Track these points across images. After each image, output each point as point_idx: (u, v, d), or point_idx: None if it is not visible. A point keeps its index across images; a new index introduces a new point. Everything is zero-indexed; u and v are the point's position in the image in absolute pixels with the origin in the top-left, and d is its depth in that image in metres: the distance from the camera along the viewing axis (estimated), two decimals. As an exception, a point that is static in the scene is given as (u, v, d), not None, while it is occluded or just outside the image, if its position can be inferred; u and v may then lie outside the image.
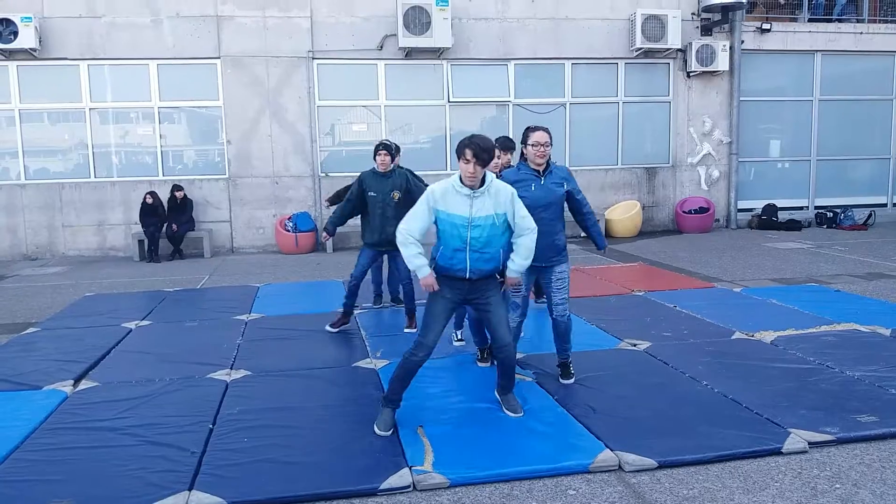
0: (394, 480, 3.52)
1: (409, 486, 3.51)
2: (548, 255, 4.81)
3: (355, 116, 13.08)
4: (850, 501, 3.31)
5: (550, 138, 4.81)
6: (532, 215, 4.27)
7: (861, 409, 4.32)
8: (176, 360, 5.83)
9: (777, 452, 3.81)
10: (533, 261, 4.37)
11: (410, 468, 3.64)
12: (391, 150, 6.52)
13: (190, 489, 3.46)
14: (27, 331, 7.01)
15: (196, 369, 5.51)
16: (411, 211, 4.22)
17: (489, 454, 3.82)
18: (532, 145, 4.77)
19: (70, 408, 4.72)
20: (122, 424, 4.36)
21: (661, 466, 3.68)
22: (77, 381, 5.31)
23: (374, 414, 4.34)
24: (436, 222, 4.16)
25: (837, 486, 3.47)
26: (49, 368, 5.63)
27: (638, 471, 3.65)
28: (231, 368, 5.51)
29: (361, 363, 5.60)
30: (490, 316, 4.24)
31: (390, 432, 4.10)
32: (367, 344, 6.18)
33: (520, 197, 4.24)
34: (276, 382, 5.18)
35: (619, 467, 3.69)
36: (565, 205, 4.96)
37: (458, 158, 4.06)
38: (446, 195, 4.09)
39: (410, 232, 4.13)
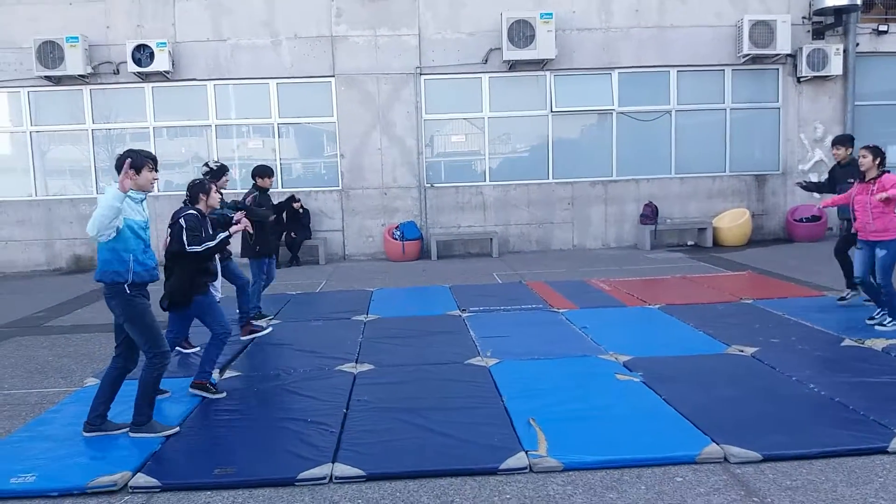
0: (512, 462, 3.87)
1: (525, 468, 3.85)
2: None
3: (458, 128, 13.56)
4: (956, 497, 3.41)
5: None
6: None
7: (973, 415, 4.33)
8: (307, 353, 6.41)
9: (882, 451, 3.92)
10: None
11: (526, 452, 3.98)
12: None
13: (333, 462, 3.94)
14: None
15: (326, 362, 6.06)
16: None
17: (600, 443, 4.11)
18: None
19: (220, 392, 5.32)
20: (268, 407, 4.92)
21: (766, 459, 3.86)
22: (222, 370, 5.94)
23: (487, 406, 4.72)
24: None
25: (944, 483, 3.56)
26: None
27: (743, 462, 3.85)
28: (356, 362, 6.02)
29: (473, 361, 5.98)
30: None
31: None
32: (476, 344, 6.55)
33: None
34: (397, 375, 5.66)
35: (725, 459, 3.90)
36: None
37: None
38: None
39: None
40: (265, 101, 13.20)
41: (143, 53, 12.40)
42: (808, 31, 13.20)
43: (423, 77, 13.03)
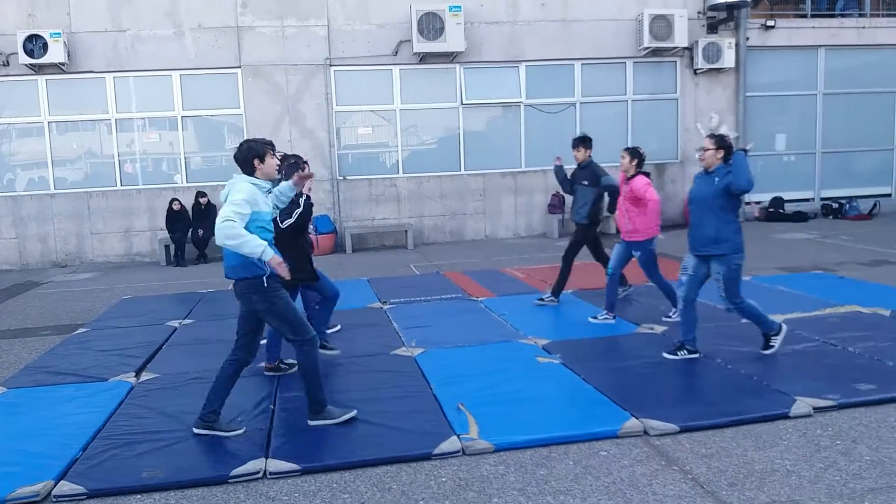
0: (445, 446, 3.97)
1: (458, 451, 3.95)
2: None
3: (370, 120, 13.53)
4: (849, 454, 3.75)
5: None
6: None
7: (861, 379, 4.76)
8: (225, 353, 6.21)
9: (785, 416, 4.26)
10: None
11: (458, 436, 4.09)
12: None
13: (266, 457, 3.92)
14: (78, 331, 7.47)
15: (246, 360, 5.95)
16: None
17: (527, 424, 4.26)
18: None
19: (139, 395, 5.18)
20: (190, 408, 4.79)
21: (683, 430, 4.13)
22: (138, 373, 5.78)
23: (416, 395, 4.81)
24: None
25: (838, 442, 3.90)
26: (109, 363, 6.10)
27: (661, 434, 4.10)
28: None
29: (399, 351, 6.04)
30: None
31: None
32: (400, 335, 6.61)
33: None
34: (323, 368, 5.54)
35: (645, 432, 4.13)
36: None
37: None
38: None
39: None
40: (168, 94, 12.77)
41: (35, 44, 11.74)
42: (703, 26, 13.88)
43: (333, 68, 12.93)
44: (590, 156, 7.52)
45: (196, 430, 4.37)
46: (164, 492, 3.67)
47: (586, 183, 7.34)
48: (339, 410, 4.46)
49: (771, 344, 5.51)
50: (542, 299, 7.67)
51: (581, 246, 7.53)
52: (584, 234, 7.46)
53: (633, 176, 6.59)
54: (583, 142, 7.53)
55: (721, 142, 5.44)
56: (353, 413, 4.46)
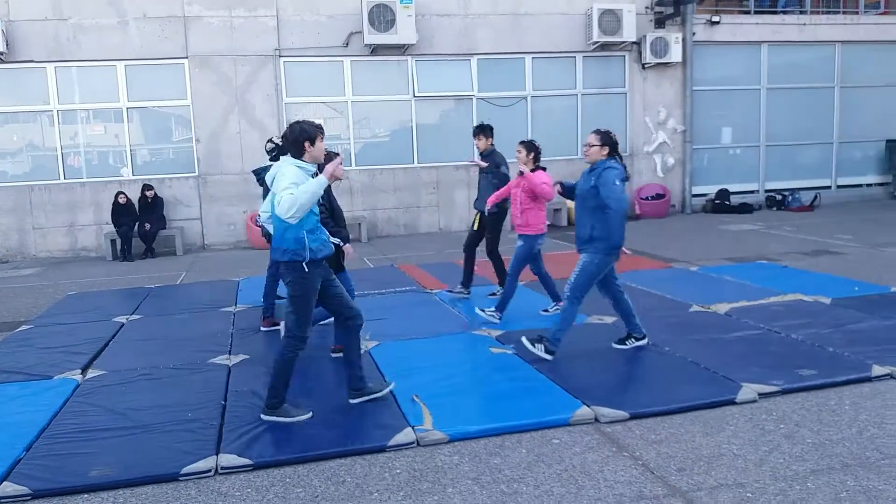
0: (400, 438, 3.98)
1: (413, 443, 3.97)
2: None
3: (321, 112, 13.40)
4: (792, 437, 3.88)
5: None
6: None
7: (803, 365, 4.92)
8: (174, 348, 6.18)
9: (731, 402, 4.38)
10: None
11: (413, 427, 4.10)
12: None
13: (217, 454, 3.87)
14: (20, 328, 7.25)
15: (197, 356, 5.87)
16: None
17: (481, 414, 4.31)
18: None
19: (86, 393, 5.05)
20: (139, 405, 4.72)
21: (632, 417, 4.22)
22: (84, 370, 5.63)
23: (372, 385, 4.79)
24: None
25: (782, 426, 4.03)
26: (54, 360, 5.93)
27: (612, 422, 4.18)
28: (230, 354, 5.89)
29: (352, 344, 6.00)
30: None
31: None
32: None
33: None
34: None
35: (596, 419, 4.21)
36: None
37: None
38: None
39: None
40: (113, 85, 12.43)
41: (-31, 32, 11.32)
42: (651, 21, 14.10)
43: (283, 59, 12.75)
44: (492, 144, 7.49)
45: (352, 401, 4.54)
46: (112, 490, 3.60)
47: (488, 173, 7.32)
48: (296, 410, 4.42)
49: (626, 343, 5.51)
50: (494, 293, 7.66)
51: (483, 236, 7.48)
52: (492, 224, 7.42)
53: (533, 170, 6.50)
54: (482, 130, 7.47)
55: (606, 138, 5.25)
56: (309, 415, 4.42)
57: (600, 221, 5.10)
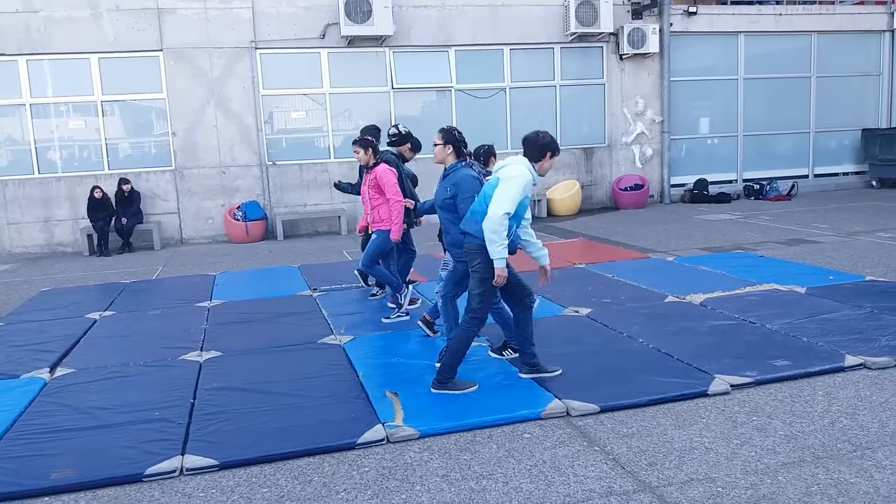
0: (369, 435, 3.93)
1: (383, 440, 3.91)
2: None
3: (299, 104, 13.28)
4: (764, 430, 3.87)
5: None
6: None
7: (777, 356, 4.91)
8: (146, 345, 6.08)
9: (703, 395, 4.36)
10: None
11: (383, 424, 4.05)
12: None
13: (182, 454, 3.80)
14: (-10, 326, 7.13)
15: (167, 353, 5.78)
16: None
17: (452, 409, 4.26)
18: None
19: (52, 392, 4.96)
20: (106, 404, 4.64)
21: (604, 410, 4.19)
22: (52, 368, 5.53)
23: (343, 383, 4.76)
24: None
25: (754, 418, 4.02)
26: (22, 358, 5.83)
27: (583, 415, 4.15)
28: (202, 350, 5.81)
29: (327, 339, 5.95)
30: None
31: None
32: (329, 322, 6.52)
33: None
34: (247, 360, 5.50)
35: (567, 413, 4.18)
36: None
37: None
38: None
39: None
40: (86, 78, 12.25)
41: (-63, 24, 11.10)
42: (628, 11, 14.08)
43: (259, 51, 12.62)
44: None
45: (522, 375, 4.75)
46: (74, 493, 3.52)
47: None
48: (466, 383, 4.59)
49: (504, 353, 5.25)
50: (374, 294, 7.56)
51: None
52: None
53: (375, 164, 6.32)
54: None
55: (448, 136, 4.83)
56: (475, 386, 4.59)
57: (456, 225, 4.79)
